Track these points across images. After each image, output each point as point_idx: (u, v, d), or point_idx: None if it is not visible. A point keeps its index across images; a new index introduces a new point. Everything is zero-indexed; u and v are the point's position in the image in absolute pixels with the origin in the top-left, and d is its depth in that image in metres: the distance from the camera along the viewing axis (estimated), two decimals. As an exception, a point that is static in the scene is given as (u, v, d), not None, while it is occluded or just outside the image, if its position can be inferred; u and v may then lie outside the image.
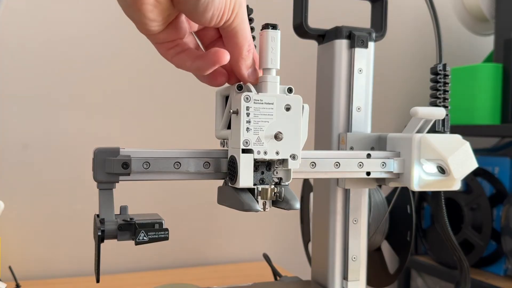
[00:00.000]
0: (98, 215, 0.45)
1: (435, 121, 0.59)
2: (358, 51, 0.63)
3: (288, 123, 0.44)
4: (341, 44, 0.64)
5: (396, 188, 0.70)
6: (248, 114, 0.43)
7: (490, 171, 1.06)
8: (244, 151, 0.43)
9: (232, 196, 0.45)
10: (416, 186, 0.55)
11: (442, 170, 0.55)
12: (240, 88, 0.44)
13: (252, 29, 0.50)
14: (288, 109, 0.44)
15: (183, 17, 0.42)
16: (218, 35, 0.44)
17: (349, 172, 0.54)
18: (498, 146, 1.21)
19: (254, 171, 0.44)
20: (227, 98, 0.49)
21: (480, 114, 1.05)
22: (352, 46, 0.63)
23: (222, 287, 0.68)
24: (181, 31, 0.42)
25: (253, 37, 0.50)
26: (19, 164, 0.94)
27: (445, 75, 0.60)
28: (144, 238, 0.44)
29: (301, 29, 0.65)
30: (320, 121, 0.67)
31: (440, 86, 0.60)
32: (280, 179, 0.47)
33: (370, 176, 0.55)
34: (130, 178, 0.45)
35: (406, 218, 0.69)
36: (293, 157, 0.45)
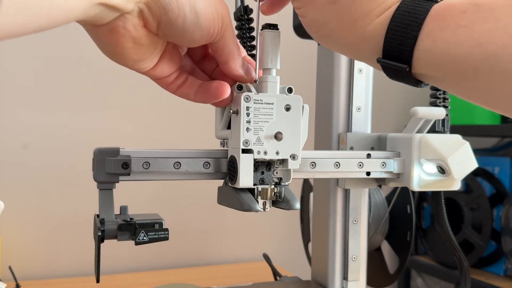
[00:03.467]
0: (98, 215, 0.45)
1: (435, 121, 0.59)
2: (358, 51, 0.63)
3: (288, 123, 0.44)
4: (341, 44, 0.63)
5: (396, 188, 0.70)
6: (248, 114, 0.43)
7: (490, 171, 1.06)
8: (244, 151, 0.43)
9: (232, 196, 0.45)
10: (416, 186, 0.55)
11: (442, 170, 0.55)
12: (240, 88, 0.44)
13: (251, 29, 0.50)
14: (288, 109, 0.44)
15: (173, 47, 0.41)
16: (207, 50, 0.44)
17: (349, 172, 0.54)
18: (498, 146, 1.21)
19: (254, 171, 0.44)
20: (227, 98, 0.49)
21: (480, 114, 1.05)
22: (352, 46, 0.63)
23: (222, 287, 0.68)
24: (176, 61, 0.41)
25: (253, 37, 0.50)
26: (19, 164, 0.94)
27: (445, 75, 0.60)
28: (144, 238, 0.44)
29: (301, 29, 0.65)
30: (320, 121, 0.67)
31: (440, 86, 0.60)
32: (280, 179, 0.47)
33: (370, 176, 0.55)
34: (130, 178, 0.45)
35: (406, 218, 0.69)
36: (293, 157, 0.45)
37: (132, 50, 0.37)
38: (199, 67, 0.45)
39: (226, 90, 0.42)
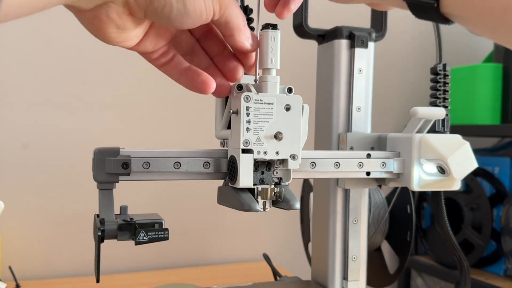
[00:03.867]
0: (98, 215, 0.45)
1: (435, 121, 0.59)
2: (358, 51, 0.63)
3: (288, 123, 0.44)
4: (341, 44, 0.64)
5: (396, 188, 0.70)
6: (248, 114, 0.43)
7: (490, 171, 1.06)
8: (244, 151, 0.43)
9: (232, 196, 0.45)
10: (416, 186, 0.55)
11: (442, 170, 0.55)
12: (240, 88, 0.44)
13: (252, 29, 0.50)
14: (288, 109, 0.44)
15: (161, 25, 0.39)
16: (209, 26, 0.43)
17: (349, 172, 0.54)
18: (498, 146, 1.21)
19: (254, 171, 0.44)
20: (227, 98, 0.49)
21: (480, 114, 1.05)
22: (352, 46, 0.63)
23: (222, 287, 0.68)
24: (162, 39, 0.40)
25: (252, 28, 0.50)
26: (19, 164, 0.94)
27: (445, 75, 0.60)
28: (144, 238, 0.44)
29: (301, 29, 0.65)
30: (320, 121, 0.67)
31: (440, 86, 0.60)
32: (280, 179, 0.47)
33: (370, 176, 0.55)
34: (130, 178, 0.45)
35: (406, 218, 0.69)
36: (293, 157, 0.45)
37: (115, 35, 0.36)
38: (201, 45, 0.44)
39: (211, 86, 0.41)
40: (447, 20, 0.35)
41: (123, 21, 0.35)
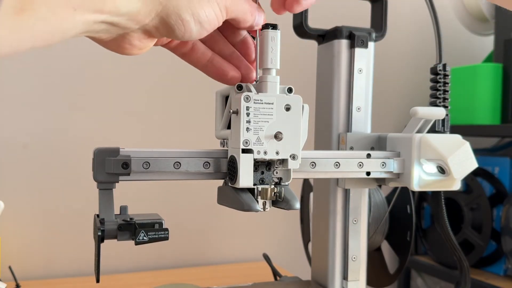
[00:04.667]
0: (98, 215, 0.45)
1: (435, 121, 0.59)
2: (358, 51, 0.63)
3: (288, 123, 0.44)
4: (341, 44, 0.64)
5: (396, 188, 0.70)
6: (248, 114, 0.43)
7: (490, 171, 1.06)
8: (244, 151, 0.43)
9: (232, 196, 0.45)
10: (416, 186, 0.55)
11: (442, 170, 0.55)
12: (240, 88, 0.44)
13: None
14: (288, 109, 0.44)
15: None
16: None
17: (349, 172, 0.54)
18: (498, 146, 1.21)
19: (254, 171, 0.44)
20: (227, 98, 0.49)
21: (480, 114, 1.05)
22: (352, 46, 0.63)
23: (222, 287, 0.68)
24: None
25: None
26: (19, 164, 0.94)
27: (445, 75, 0.60)
28: (144, 238, 0.44)
29: (301, 29, 0.65)
30: (320, 121, 0.67)
31: (440, 86, 0.60)
32: (280, 179, 0.47)
33: (370, 176, 0.55)
34: (130, 178, 0.45)
35: (406, 218, 0.69)
36: (293, 157, 0.45)
37: (138, 52, 0.38)
38: (221, 32, 0.45)
39: (238, 79, 0.44)
40: None
41: (144, 44, 0.37)
